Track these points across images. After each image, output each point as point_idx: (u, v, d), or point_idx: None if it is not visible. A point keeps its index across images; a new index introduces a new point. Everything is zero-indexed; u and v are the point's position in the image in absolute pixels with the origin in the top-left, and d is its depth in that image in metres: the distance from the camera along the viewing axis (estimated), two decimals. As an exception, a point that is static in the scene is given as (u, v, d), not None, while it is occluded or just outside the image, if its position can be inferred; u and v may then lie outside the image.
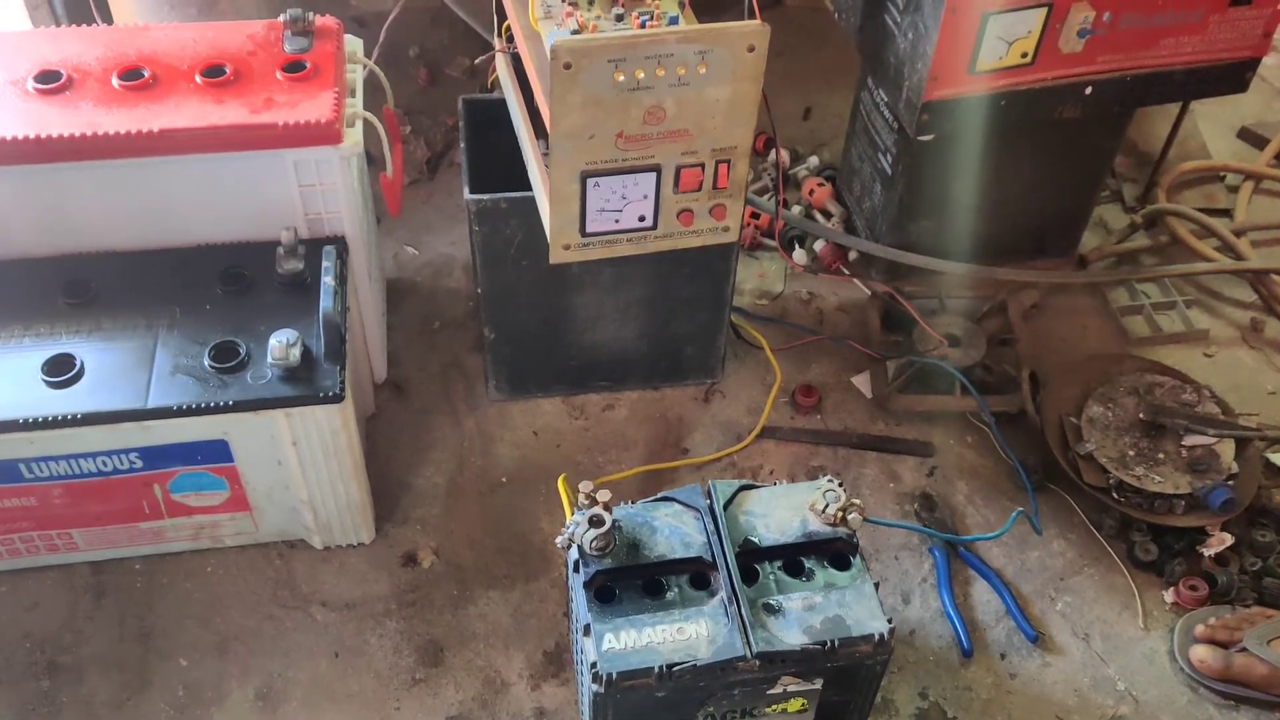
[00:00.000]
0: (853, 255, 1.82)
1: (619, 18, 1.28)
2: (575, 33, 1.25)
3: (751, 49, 1.18)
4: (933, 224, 1.71)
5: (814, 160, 1.96)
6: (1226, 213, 1.93)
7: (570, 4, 1.30)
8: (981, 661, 1.42)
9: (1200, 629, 1.42)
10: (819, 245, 1.82)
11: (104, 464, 1.33)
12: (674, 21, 1.27)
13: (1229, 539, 1.49)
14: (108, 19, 1.64)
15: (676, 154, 1.24)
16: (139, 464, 1.33)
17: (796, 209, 1.89)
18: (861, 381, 1.69)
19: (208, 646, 1.39)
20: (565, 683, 1.38)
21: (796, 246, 1.84)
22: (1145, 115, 2.01)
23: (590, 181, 1.24)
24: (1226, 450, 1.54)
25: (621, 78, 1.15)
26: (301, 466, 1.36)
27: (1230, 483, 1.51)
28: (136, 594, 1.44)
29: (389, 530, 1.51)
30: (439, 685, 1.37)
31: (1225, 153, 2.06)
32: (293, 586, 1.45)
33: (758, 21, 1.17)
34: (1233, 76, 1.53)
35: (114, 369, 1.29)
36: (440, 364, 1.70)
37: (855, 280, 1.82)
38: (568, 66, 1.13)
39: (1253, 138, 2.07)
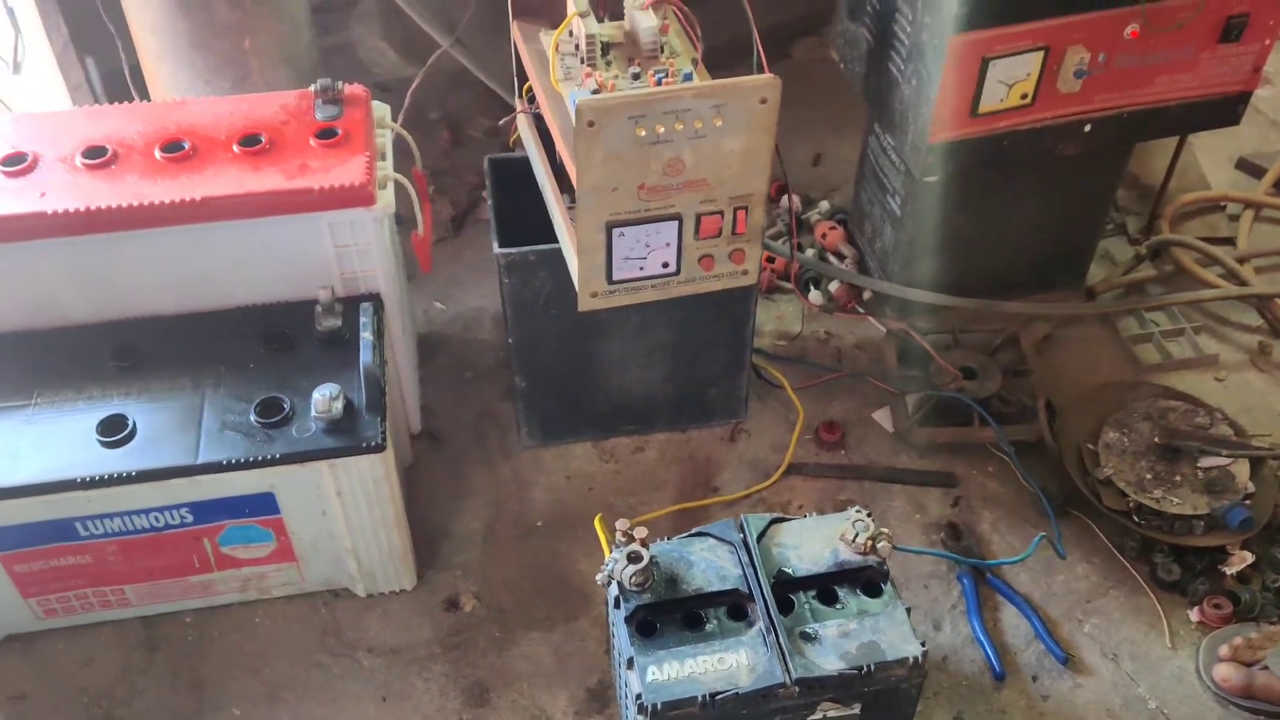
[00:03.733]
0: (867, 295, 1.88)
1: (635, 76, 1.34)
2: (595, 92, 1.31)
3: (764, 101, 1.24)
4: (943, 262, 1.76)
5: (825, 205, 2.02)
6: (1229, 241, 1.98)
7: (589, 65, 1.37)
8: (1014, 685, 1.45)
9: (1224, 649, 1.45)
10: (834, 286, 1.88)
11: (156, 519, 1.38)
12: (688, 78, 1.34)
13: (1250, 557, 1.53)
14: (145, 96, 1.71)
15: (696, 203, 1.30)
16: (189, 519, 1.38)
17: (811, 252, 1.95)
18: (882, 416, 1.74)
19: (259, 696, 1.43)
20: (610, 718, 1.41)
21: (812, 288, 1.90)
22: (1145, 149, 2.07)
23: (615, 231, 1.29)
24: (1242, 470, 1.58)
25: (642, 133, 1.21)
26: (345, 516, 1.41)
27: (1247, 502, 1.55)
28: (188, 646, 1.48)
29: (430, 576, 1.55)
30: (485, 725, 1.41)
31: (1224, 183, 2.11)
32: (339, 634, 1.49)
33: (769, 75, 1.23)
34: (1225, 110, 1.59)
35: (164, 427, 1.35)
36: (473, 413, 1.75)
37: (870, 319, 1.87)
38: (591, 124, 1.19)
39: (1251, 168, 2.13)
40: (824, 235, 1.94)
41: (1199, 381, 1.80)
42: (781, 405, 1.76)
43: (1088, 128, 1.53)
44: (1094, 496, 1.58)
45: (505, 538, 1.60)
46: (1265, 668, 1.41)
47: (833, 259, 1.93)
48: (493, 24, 1.97)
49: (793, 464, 1.68)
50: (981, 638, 1.48)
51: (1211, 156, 2.15)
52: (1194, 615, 1.51)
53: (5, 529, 1.35)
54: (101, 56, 1.75)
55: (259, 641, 1.49)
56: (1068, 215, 1.76)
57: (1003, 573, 1.56)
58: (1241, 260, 1.90)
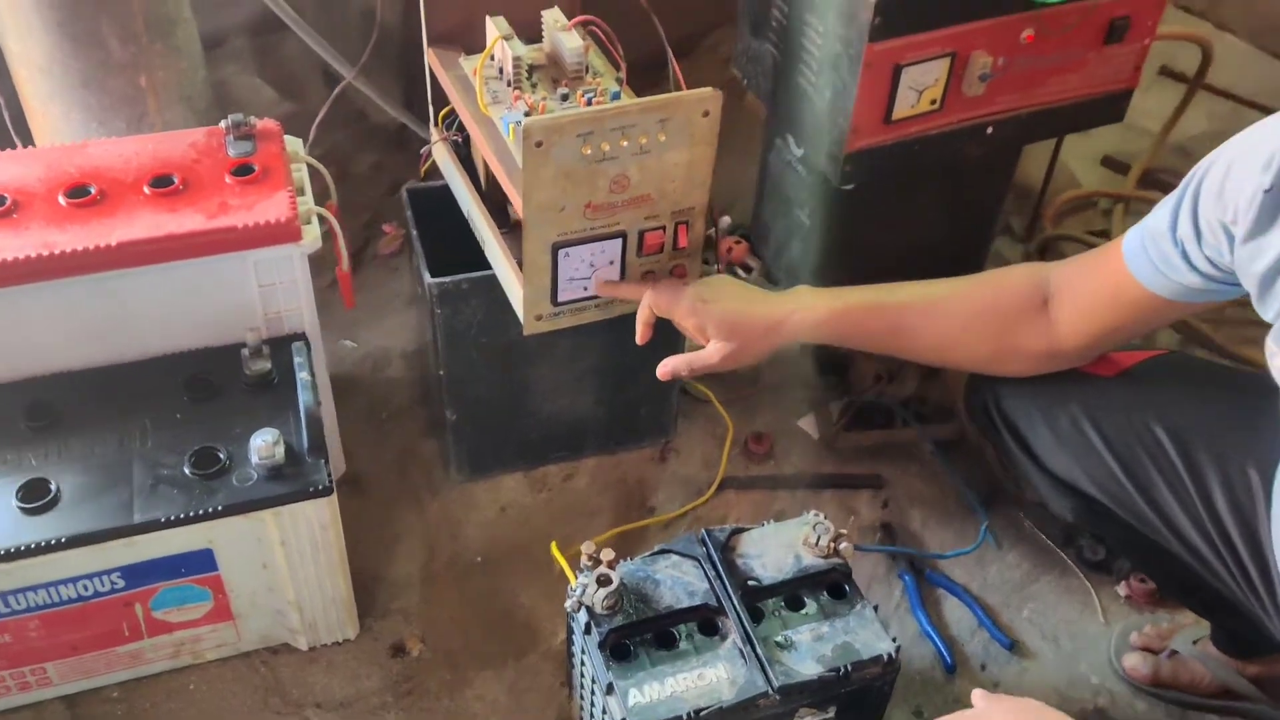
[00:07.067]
0: (776, 307, 1.90)
1: (564, 97, 1.34)
2: (527, 114, 1.30)
3: (706, 114, 1.25)
4: (852, 270, 1.78)
5: (726, 220, 2.04)
6: (1104, 234, 2.09)
7: (516, 88, 1.35)
8: (965, 674, 1.48)
9: (1134, 636, 1.51)
10: (744, 301, 1.89)
11: (85, 588, 1.29)
12: (616, 97, 1.34)
13: (1165, 531, 1.61)
14: (27, 142, 1.62)
15: (640, 218, 1.30)
16: (120, 584, 1.30)
17: (717, 268, 1.97)
18: (808, 424, 1.76)
19: (205, 765, 1.36)
20: (575, 750, 1.39)
21: (722, 304, 1.91)
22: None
23: (561, 252, 1.28)
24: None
25: (589, 151, 1.21)
26: (290, 566, 1.35)
27: (1158, 480, 1.62)
28: (118, 722, 1.39)
29: (371, 624, 1.50)
30: (450, 770, 1.36)
31: (1093, 181, 2.23)
32: (283, 693, 1.42)
33: (710, 88, 1.24)
34: (1111, 107, 1.67)
35: (92, 488, 1.27)
36: (394, 453, 1.70)
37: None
38: (539, 144, 1.18)
39: (1115, 165, 2.25)
40: (729, 250, 1.96)
41: (1096, 370, 1.88)
42: (708, 420, 1.77)
43: (990, 129, 1.59)
44: (1017, 487, 1.64)
45: (444, 578, 1.56)
46: (1173, 653, 1.47)
47: (741, 273, 1.95)
48: (391, 56, 1.94)
49: (725, 479, 1.69)
50: (929, 631, 1.51)
51: (1079, 156, 2.26)
52: (1122, 590, 1.58)
53: (-85, 612, 1.25)
54: (-28, 103, 1.65)
55: (196, 709, 1.41)
56: (966, 218, 1.82)
57: (941, 567, 1.59)
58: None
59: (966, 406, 1.43)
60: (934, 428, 1.72)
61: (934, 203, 1.76)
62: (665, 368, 1.34)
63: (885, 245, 1.78)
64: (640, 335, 1.35)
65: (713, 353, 1.31)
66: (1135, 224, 1.16)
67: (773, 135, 1.79)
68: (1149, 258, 1.13)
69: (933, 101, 1.52)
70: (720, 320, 1.30)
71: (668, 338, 1.59)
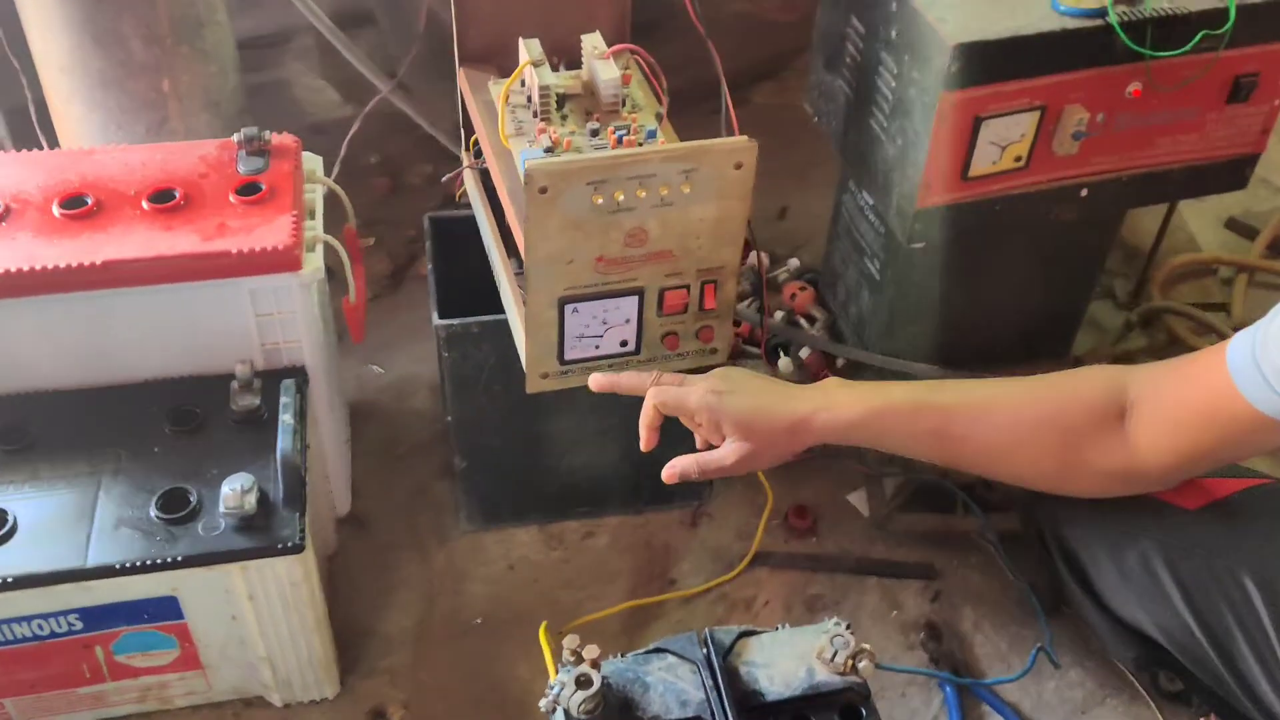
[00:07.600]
0: (840, 363, 1.74)
1: (594, 132, 1.21)
2: (549, 150, 1.17)
3: (739, 166, 1.10)
4: (924, 330, 1.63)
5: (794, 262, 1.89)
6: (1222, 307, 1.87)
7: (543, 120, 1.23)
8: (1003, 810, 1.31)
9: None
10: (805, 353, 1.74)
11: (40, 628, 1.21)
12: (652, 135, 1.21)
13: (1256, 662, 1.40)
14: (54, 142, 1.55)
15: (660, 276, 1.16)
16: (79, 626, 1.22)
17: (779, 315, 1.81)
18: (858, 499, 1.60)
19: (157, 824, 1.27)
20: None
21: (781, 355, 1.76)
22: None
23: (569, 308, 1.16)
24: (1245, 565, 1.46)
25: (601, 200, 1.08)
26: (259, 621, 1.25)
27: (1252, 601, 1.42)
28: (78, 765, 1.31)
29: (354, 683, 1.39)
30: None
31: (1214, 244, 2.00)
32: (251, 750, 1.33)
33: (744, 138, 1.10)
34: (1232, 174, 1.47)
35: (51, 523, 1.18)
36: (406, 493, 1.59)
37: (843, 389, 1.73)
38: (543, 191, 1.05)
39: (1241, 228, 2.02)
40: (793, 296, 1.81)
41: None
42: (748, 486, 1.61)
43: (1085, 192, 1.40)
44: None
45: (439, 637, 1.44)
46: None
47: (803, 322, 1.79)
48: (437, 66, 1.83)
49: (759, 553, 1.53)
50: (968, 755, 1.34)
51: (1200, 215, 2.04)
52: (1199, 728, 1.38)
53: None
54: (4, 99, 1.59)
55: (160, 758, 1.32)
56: (1057, 282, 1.63)
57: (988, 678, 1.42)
58: (1238, 330, 1.79)
59: (1023, 527, 1.25)
60: (998, 517, 1.54)
61: (1020, 264, 1.58)
62: (672, 470, 1.18)
63: (963, 305, 1.61)
64: (645, 441, 1.18)
65: (728, 454, 1.15)
66: (1246, 324, 1.00)
67: (845, 176, 1.63)
68: (1260, 371, 0.96)
69: (1017, 159, 1.34)
70: (738, 417, 1.13)
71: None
